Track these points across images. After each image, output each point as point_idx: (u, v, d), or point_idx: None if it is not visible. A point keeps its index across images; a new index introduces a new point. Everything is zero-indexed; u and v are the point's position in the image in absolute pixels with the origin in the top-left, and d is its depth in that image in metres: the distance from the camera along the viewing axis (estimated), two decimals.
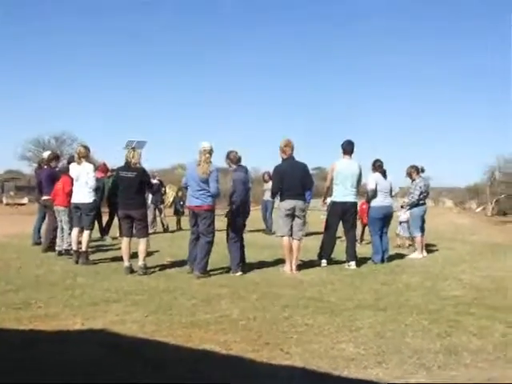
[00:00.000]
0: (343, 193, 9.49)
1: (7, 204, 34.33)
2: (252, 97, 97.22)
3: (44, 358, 4.39)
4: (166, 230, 16.21)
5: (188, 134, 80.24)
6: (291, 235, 8.91)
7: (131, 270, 8.50)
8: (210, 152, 8.40)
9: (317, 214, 16.79)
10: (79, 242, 9.63)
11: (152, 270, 8.79)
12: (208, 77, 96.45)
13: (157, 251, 10.84)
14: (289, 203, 8.83)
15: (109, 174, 13.59)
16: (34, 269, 8.69)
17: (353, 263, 9.39)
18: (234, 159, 8.93)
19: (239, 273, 8.53)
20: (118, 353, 4.58)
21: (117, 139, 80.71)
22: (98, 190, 9.87)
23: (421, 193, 11.06)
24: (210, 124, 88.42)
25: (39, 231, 11.83)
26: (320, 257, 9.64)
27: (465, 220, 27.85)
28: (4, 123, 79.48)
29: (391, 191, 10.71)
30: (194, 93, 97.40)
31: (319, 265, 9.45)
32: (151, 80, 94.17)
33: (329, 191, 9.86)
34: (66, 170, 10.46)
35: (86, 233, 9.56)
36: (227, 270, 8.74)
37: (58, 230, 10.43)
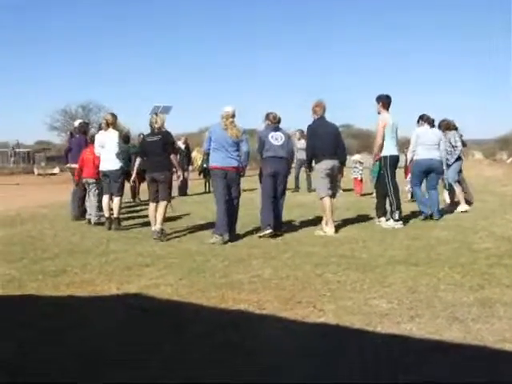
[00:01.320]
0: (395, 147, 9.36)
1: (39, 174, 34.79)
2: (280, 57, 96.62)
3: (82, 323, 4.49)
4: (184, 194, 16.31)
5: (215, 97, 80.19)
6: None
7: (159, 234, 8.56)
8: (233, 115, 8.39)
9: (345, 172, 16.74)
10: (110, 209, 9.75)
11: (183, 232, 8.87)
12: (234, 36, 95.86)
13: (187, 214, 10.93)
14: (326, 163, 8.74)
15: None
16: (69, 237, 8.85)
17: (383, 219, 9.33)
18: (273, 120, 8.85)
19: (269, 230, 8.35)
20: (152, 315, 4.66)
21: (144, 105, 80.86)
22: (121, 155, 9.86)
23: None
24: (236, 86, 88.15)
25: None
26: (395, 217, 9.19)
27: (496, 171, 27.43)
28: (32, 94, 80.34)
29: (439, 144, 10.34)
30: (220, 54, 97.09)
31: (393, 226, 9.04)
32: (175, 43, 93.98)
33: (380, 148, 9.40)
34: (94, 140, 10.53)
35: (116, 199, 9.69)
36: (257, 230, 8.77)
37: (87, 199, 10.55)
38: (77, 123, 12.33)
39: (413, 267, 6.09)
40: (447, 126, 11.13)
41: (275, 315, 4.58)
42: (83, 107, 50.40)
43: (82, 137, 11.45)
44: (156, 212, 8.66)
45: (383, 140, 9.26)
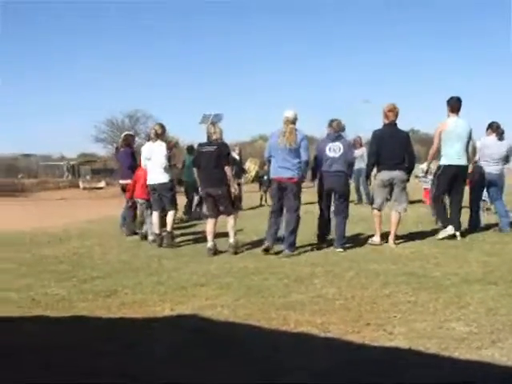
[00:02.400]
0: (455, 155, 9.19)
1: (84, 188, 35.67)
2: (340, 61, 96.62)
3: (135, 346, 4.57)
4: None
5: (268, 104, 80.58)
6: (382, 207, 8.98)
7: (215, 251, 8.67)
8: (294, 121, 8.43)
9: (412, 181, 16.53)
10: (162, 226, 9.90)
11: (239, 250, 8.94)
12: (288, 42, 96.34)
13: (240, 230, 10.98)
14: (385, 174, 8.78)
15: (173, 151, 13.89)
16: (119, 254, 9.03)
17: (457, 233, 9.15)
18: (336, 128, 8.87)
19: (339, 249, 8.56)
20: (210, 339, 4.69)
21: (192, 114, 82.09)
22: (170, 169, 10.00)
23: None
24: (291, 92, 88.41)
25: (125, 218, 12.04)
26: (441, 225, 9.44)
27: None
28: (74, 106, 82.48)
29: (508, 157, 10.27)
30: (272, 60, 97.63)
31: (443, 235, 9.16)
32: (225, 50, 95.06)
33: (435, 156, 9.54)
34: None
35: (169, 213, 9.82)
36: (317, 246, 8.75)
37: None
38: (124, 135, 12.62)
39: (492, 286, 5.95)
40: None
41: (341, 338, 4.56)
42: (130, 117, 51.55)
43: (127, 149, 11.68)
44: (214, 229, 8.83)
45: (437, 147, 9.32)
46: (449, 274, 6.66)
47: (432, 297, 5.64)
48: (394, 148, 8.71)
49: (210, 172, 8.73)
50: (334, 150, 8.70)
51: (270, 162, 8.70)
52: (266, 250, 8.40)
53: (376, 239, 8.92)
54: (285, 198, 8.49)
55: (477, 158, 10.24)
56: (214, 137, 8.80)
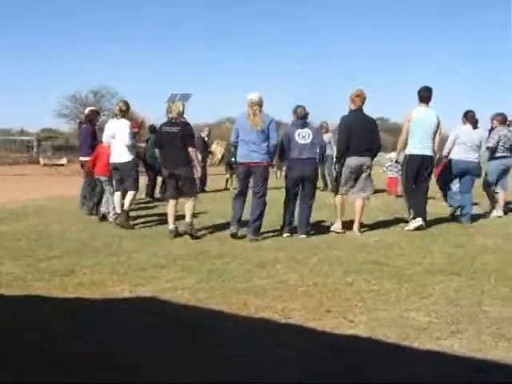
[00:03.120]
0: (421, 145, 9.28)
1: (45, 165, 35.11)
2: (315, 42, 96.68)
3: (90, 328, 4.54)
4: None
5: (236, 86, 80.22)
6: (346, 194, 9.01)
7: (176, 233, 8.65)
8: (259, 103, 8.41)
9: (376, 170, 16.67)
10: (123, 205, 9.84)
11: (202, 232, 8.92)
12: (258, 22, 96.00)
13: (204, 213, 10.97)
14: (354, 160, 8.79)
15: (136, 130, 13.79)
16: (78, 233, 8.95)
17: (419, 219, 9.19)
18: (300, 114, 8.86)
19: (303, 235, 8.63)
20: (169, 321, 4.68)
21: (161, 93, 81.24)
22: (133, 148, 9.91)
23: (498, 142, 10.80)
24: (261, 74, 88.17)
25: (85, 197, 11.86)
26: (410, 216, 9.46)
27: None
28: (38, 79, 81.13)
29: (480, 146, 10.42)
30: (242, 40, 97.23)
31: (413, 226, 9.19)
32: (195, 28, 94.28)
33: (403, 145, 9.59)
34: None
35: (129, 193, 9.74)
36: (281, 232, 8.79)
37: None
38: (87, 110, 12.43)
39: (454, 277, 6.05)
40: (503, 121, 10.99)
41: (302, 325, 4.59)
42: (94, 93, 50.93)
43: (89, 126, 11.51)
44: (175, 211, 8.77)
45: (406, 136, 9.40)
46: (412, 263, 6.75)
47: (394, 286, 5.71)
48: (363, 134, 8.74)
49: (173, 153, 8.65)
50: (303, 137, 8.69)
51: (236, 145, 8.67)
52: (234, 236, 8.42)
53: (338, 226, 8.94)
54: (253, 182, 8.51)
55: (446, 149, 10.32)
56: (173, 114, 8.71)
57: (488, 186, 11.18)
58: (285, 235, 8.66)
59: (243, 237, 8.44)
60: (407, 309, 4.99)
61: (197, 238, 8.54)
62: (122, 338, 4.28)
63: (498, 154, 10.90)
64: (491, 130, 11.07)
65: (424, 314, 4.83)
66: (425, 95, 9.37)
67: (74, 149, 33.16)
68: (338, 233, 8.86)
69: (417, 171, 9.34)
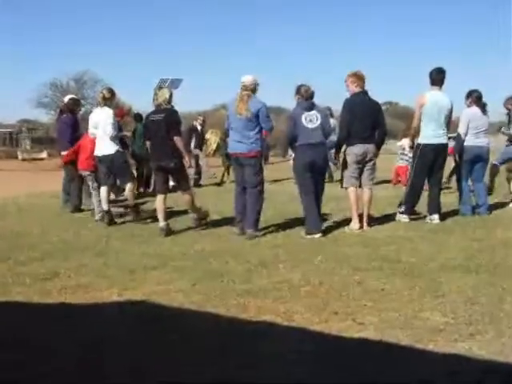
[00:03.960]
0: (435, 133, 9.23)
1: (23, 159, 35.06)
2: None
3: (77, 335, 4.54)
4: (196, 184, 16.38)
5: (233, 70, 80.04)
6: (360, 185, 8.86)
7: (168, 232, 8.66)
8: (252, 88, 8.37)
9: (388, 159, 16.65)
10: (111, 202, 9.82)
11: (196, 229, 8.93)
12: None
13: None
14: (359, 148, 8.70)
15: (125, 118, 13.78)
16: (61, 233, 8.94)
17: (436, 217, 9.27)
18: (304, 94, 8.63)
19: (318, 234, 8.36)
20: (161, 326, 4.69)
21: (151, 79, 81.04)
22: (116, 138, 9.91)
23: None
24: (260, 55, 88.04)
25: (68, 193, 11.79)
26: (400, 210, 9.49)
27: None
28: (15, 66, 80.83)
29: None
30: (238, 21, 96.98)
31: (398, 219, 9.32)
32: (186, 6, 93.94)
33: (417, 130, 9.48)
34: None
35: (127, 187, 9.80)
36: (283, 227, 8.77)
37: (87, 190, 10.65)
38: (67, 99, 12.38)
39: (472, 274, 6.05)
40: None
41: (306, 328, 4.59)
42: (76, 80, 50.76)
43: (69, 116, 11.46)
44: (164, 207, 8.81)
45: (419, 122, 9.32)
46: (426, 259, 6.75)
47: (407, 284, 5.71)
48: (368, 119, 8.69)
49: (160, 143, 8.66)
50: (310, 121, 8.47)
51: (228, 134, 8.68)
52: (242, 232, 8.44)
53: (355, 225, 8.72)
54: (244, 174, 8.49)
55: (461, 130, 10.25)
56: (159, 100, 8.69)
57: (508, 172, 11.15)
58: (317, 236, 8.30)
59: (243, 233, 8.45)
60: (421, 309, 4.98)
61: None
62: (111, 346, 4.28)
63: None
64: (509, 113, 11.02)
65: (440, 315, 4.82)
66: (437, 77, 9.29)
67: (54, 141, 33.11)
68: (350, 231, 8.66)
69: (431, 163, 9.30)
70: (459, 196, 10.18)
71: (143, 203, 12.14)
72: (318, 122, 8.53)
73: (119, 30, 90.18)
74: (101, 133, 9.62)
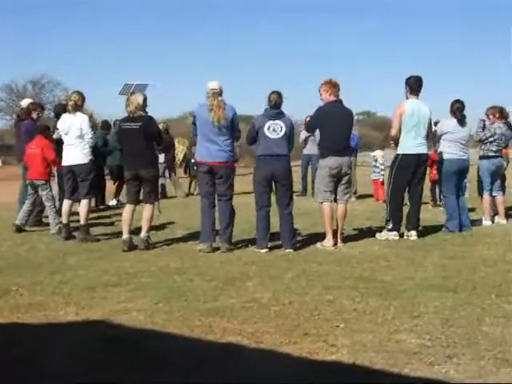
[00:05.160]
0: (416, 143, 9.30)
1: None
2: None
3: (29, 358, 4.49)
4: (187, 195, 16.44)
5: (202, 76, 79.99)
6: (335, 200, 8.85)
7: (130, 245, 8.62)
8: (221, 93, 8.42)
9: (363, 171, 16.75)
10: (72, 214, 9.76)
11: (160, 245, 8.90)
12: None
13: (166, 222, 10.93)
14: (334, 161, 8.66)
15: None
16: (14, 247, 8.89)
17: (413, 233, 9.32)
18: (274, 102, 8.54)
19: (290, 249, 8.44)
20: (120, 348, 4.67)
21: (113, 84, 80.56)
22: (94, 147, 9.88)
23: (491, 137, 10.81)
24: (228, 64, 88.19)
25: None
26: (388, 227, 9.41)
27: None
28: None
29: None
30: (205, 24, 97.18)
31: (386, 237, 9.26)
32: (153, 11, 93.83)
33: (395, 141, 9.56)
34: (43, 129, 10.49)
35: (84, 202, 9.59)
36: (253, 242, 8.76)
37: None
38: (25, 102, 12.25)
39: (450, 294, 6.10)
40: (501, 115, 10.97)
41: (275, 350, 4.59)
42: (34, 83, 50.29)
43: (29, 123, 11.32)
44: (132, 219, 8.78)
45: (398, 132, 9.36)
46: (402, 278, 6.79)
47: (382, 304, 5.74)
48: (342, 129, 8.71)
49: (137, 152, 8.65)
50: (274, 130, 8.42)
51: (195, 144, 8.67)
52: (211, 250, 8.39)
53: (329, 242, 8.69)
54: (216, 185, 8.47)
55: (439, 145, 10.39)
56: (130, 108, 8.65)
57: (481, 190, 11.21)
58: (263, 251, 8.41)
59: (216, 249, 8.43)
60: (396, 330, 5.01)
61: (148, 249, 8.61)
62: (66, 369, 4.24)
63: (490, 154, 10.92)
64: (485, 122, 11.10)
65: (415, 336, 4.85)
66: (416, 86, 9.39)
67: (10, 148, 32.71)
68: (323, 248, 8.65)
69: (410, 175, 9.35)
70: (446, 211, 10.27)
71: (103, 217, 12.07)
72: (283, 132, 8.47)
73: (79, 31, 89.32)
74: (72, 140, 9.49)
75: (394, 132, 9.51)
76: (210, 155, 8.37)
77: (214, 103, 8.28)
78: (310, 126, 9.03)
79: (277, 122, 8.50)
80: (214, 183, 8.50)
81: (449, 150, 10.12)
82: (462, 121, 10.19)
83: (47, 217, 10.42)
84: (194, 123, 8.58)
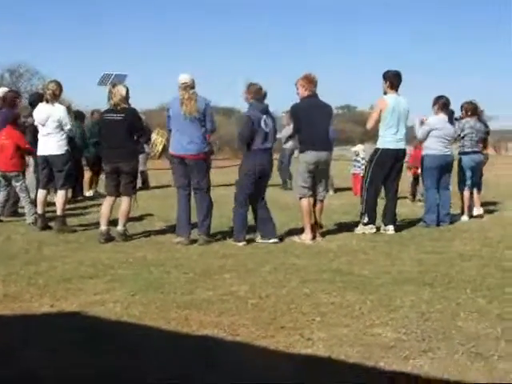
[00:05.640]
0: (395, 138, 9.32)
1: None
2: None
3: (2, 350, 4.47)
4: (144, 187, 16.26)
5: (181, 67, 79.56)
6: (313, 195, 8.86)
7: (108, 237, 8.59)
8: (193, 86, 8.42)
9: (342, 165, 16.78)
10: (49, 204, 9.69)
11: (138, 237, 8.88)
12: None
13: (144, 214, 10.89)
14: (312, 156, 8.68)
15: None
16: None
17: (391, 227, 9.37)
18: (255, 94, 8.54)
19: (274, 239, 8.49)
20: (96, 340, 4.65)
21: (91, 74, 79.75)
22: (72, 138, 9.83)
23: (462, 132, 10.86)
24: (207, 54, 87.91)
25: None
26: (364, 221, 9.43)
27: None
28: None
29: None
30: (185, 13, 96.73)
31: (362, 231, 9.29)
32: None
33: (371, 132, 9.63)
34: (13, 118, 10.40)
35: (60, 192, 9.54)
36: (231, 235, 8.75)
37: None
38: (3, 91, 12.14)
39: (426, 288, 6.14)
40: (474, 111, 11.03)
41: (251, 343, 4.61)
42: (11, 71, 49.85)
43: (9, 111, 11.22)
44: (110, 211, 8.73)
45: (375, 126, 9.43)
46: (379, 272, 6.83)
47: (358, 298, 5.77)
48: (319, 124, 8.69)
49: (117, 145, 8.61)
50: (266, 124, 8.45)
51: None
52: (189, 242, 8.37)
53: (307, 236, 8.69)
54: (191, 177, 8.47)
55: (419, 139, 10.42)
56: (115, 100, 8.61)
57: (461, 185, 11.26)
58: (241, 244, 8.40)
59: (193, 242, 8.41)
60: (372, 324, 5.04)
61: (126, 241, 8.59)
62: (39, 362, 4.22)
63: (466, 150, 10.97)
64: (457, 118, 11.16)
65: (391, 330, 4.88)
66: (394, 80, 9.42)
67: None
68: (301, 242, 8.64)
69: (388, 169, 9.38)
70: (425, 205, 10.33)
71: (81, 207, 12.03)
72: (271, 126, 8.55)
73: (57, 20, 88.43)
74: (49, 130, 9.41)
75: (369, 125, 9.60)
76: (182, 147, 8.36)
77: (185, 96, 8.27)
78: (295, 130, 8.99)
79: (267, 116, 8.57)
80: (188, 175, 8.49)
81: (433, 145, 10.17)
82: (450, 116, 10.24)
83: (23, 207, 10.33)
84: (169, 116, 8.56)
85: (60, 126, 9.41)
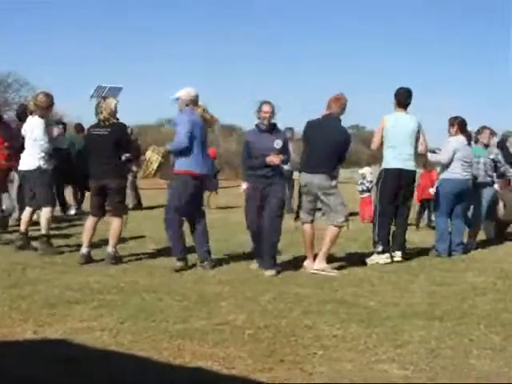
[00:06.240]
0: (399, 157, 9.33)
1: None
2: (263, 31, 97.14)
3: None
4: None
5: (180, 80, 79.73)
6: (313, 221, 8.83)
7: (88, 260, 8.62)
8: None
9: (351, 188, 16.79)
10: (34, 223, 9.69)
11: (129, 259, 8.87)
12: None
13: (136, 236, 10.88)
14: (303, 177, 8.71)
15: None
16: None
17: (398, 253, 9.35)
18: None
19: (272, 272, 8.27)
20: (82, 372, 4.62)
21: (85, 86, 79.77)
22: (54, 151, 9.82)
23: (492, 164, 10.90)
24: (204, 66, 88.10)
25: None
26: (378, 249, 9.33)
27: None
28: None
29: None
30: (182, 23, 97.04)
31: (377, 261, 9.18)
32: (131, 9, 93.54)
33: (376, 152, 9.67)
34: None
35: (44, 210, 9.53)
36: (228, 261, 8.75)
37: None
38: None
39: (436, 322, 6.12)
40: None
41: (247, 377, 4.58)
42: None
43: None
44: (93, 232, 8.77)
45: (379, 146, 9.52)
46: (386, 304, 6.81)
47: (363, 331, 5.74)
48: (321, 146, 8.60)
49: (103, 161, 8.67)
50: (278, 144, 8.43)
51: (181, 152, 8.71)
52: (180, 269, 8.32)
53: (309, 264, 8.65)
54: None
55: (443, 160, 10.27)
56: (104, 114, 8.64)
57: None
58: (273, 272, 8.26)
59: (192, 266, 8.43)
60: (378, 359, 5.01)
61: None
62: None
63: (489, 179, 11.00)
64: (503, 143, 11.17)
65: (398, 367, 4.85)
66: (403, 99, 9.47)
67: None
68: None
69: (395, 190, 9.37)
70: (437, 233, 10.31)
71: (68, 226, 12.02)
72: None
73: (51, 29, 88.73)
74: (27, 144, 9.51)
75: (373, 146, 9.70)
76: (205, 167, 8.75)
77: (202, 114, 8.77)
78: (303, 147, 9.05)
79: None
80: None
81: (455, 169, 10.12)
82: (469, 138, 10.24)
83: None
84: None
85: (35, 141, 9.43)
